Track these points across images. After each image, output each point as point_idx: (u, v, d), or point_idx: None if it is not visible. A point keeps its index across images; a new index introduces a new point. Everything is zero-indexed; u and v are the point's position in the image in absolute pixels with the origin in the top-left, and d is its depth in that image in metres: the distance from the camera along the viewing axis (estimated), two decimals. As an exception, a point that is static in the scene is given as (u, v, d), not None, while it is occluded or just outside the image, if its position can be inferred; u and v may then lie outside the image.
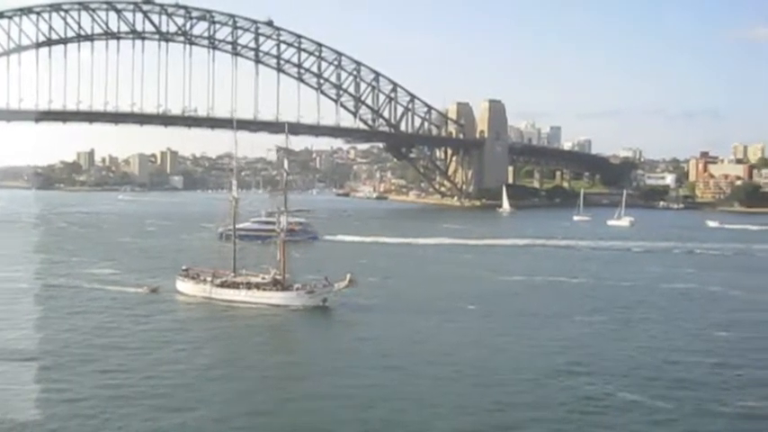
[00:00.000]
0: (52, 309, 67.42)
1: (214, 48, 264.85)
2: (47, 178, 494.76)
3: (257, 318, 65.56)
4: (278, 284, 70.59)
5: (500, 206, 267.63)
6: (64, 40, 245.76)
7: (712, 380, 47.68)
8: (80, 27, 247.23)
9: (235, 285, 72.10)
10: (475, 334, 60.02)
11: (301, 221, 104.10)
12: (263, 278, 72.06)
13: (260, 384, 46.12)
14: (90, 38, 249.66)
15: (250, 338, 58.84)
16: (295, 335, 63.12)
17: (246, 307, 68.70)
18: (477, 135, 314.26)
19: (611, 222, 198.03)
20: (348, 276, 68.40)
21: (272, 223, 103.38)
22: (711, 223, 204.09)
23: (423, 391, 44.35)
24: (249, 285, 71.41)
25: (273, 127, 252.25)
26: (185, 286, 75.47)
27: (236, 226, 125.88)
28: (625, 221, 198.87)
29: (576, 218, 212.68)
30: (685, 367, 50.51)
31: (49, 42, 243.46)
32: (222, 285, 72.50)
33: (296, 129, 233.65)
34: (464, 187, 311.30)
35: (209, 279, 73.75)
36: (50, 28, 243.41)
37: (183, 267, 78.67)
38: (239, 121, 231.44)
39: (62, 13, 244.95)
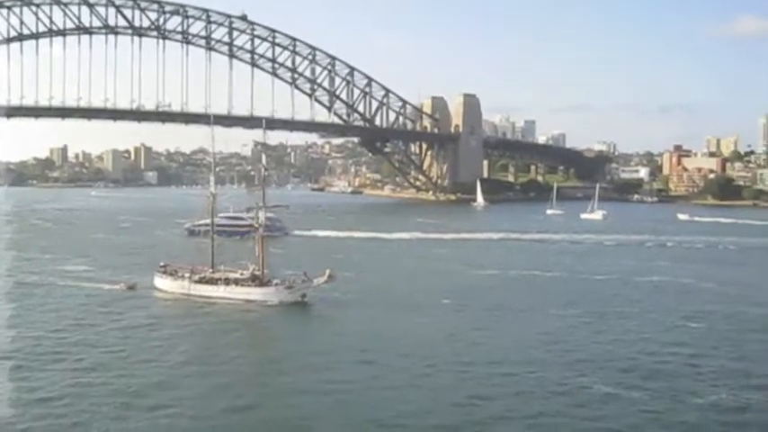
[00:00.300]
0: (26, 306, 66.85)
1: (188, 42, 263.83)
2: (19, 174, 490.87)
3: (236, 314, 65.32)
4: (256, 280, 70.39)
5: (474, 200, 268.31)
6: (35, 35, 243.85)
7: (686, 371, 48.24)
8: (52, 22, 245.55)
9: (213, 281, 71.68)
10: (450, 328, 60.23)
11: (270, 216, 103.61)
12: (242, 274, 71.79)
13: (237, 381, 45.95)
14: (62, 33, 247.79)
15: (228, 335, 58.62)
16: (274, 331, 62.85)
17: (225, 303, 68.45)
18: (452, 129, 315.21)
19: (584, 216, 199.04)
20: (327, 272, 68.26)
21: (239, 218, 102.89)
22: (682, 216, 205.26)
23: (399, 386, 44.52)
24: (228, 281, 71.08)
25: (248, 122, 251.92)
26: (163, 283, 74.97)
27: (204, 221, 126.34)
28: (598, 215, 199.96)
29: (549, 211, 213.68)
30: (660, 359, 51.04)
31: (21, 37, 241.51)
32: (200, 281, 72.12)
33: (271, 124, 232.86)
34: (439, 181, 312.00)
35: (187, 275, 73.36)
36: (21, 23, 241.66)
37: (161, 264, 78.06)
38: (214, 116, 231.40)
39: (33, 8, 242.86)
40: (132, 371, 46.73)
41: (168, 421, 38.25)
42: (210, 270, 73.70)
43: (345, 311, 66.77)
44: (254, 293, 69.33)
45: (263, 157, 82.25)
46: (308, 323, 64.61)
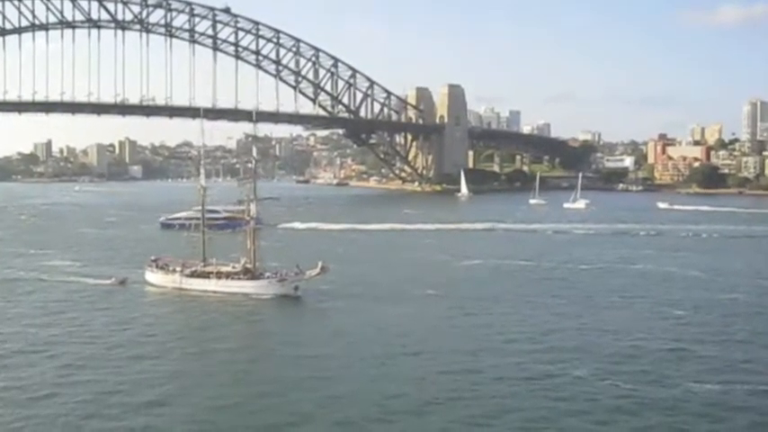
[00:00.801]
0: (16, 302, 66.83)
1: (171, 36, 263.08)
2: (3, 170, 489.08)
3: (229, 308, 65.06)
4: (248, 273, 70.28)
5: (459, 191, 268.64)
6: (18, 30, 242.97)
7: (669, 358, 48.73)
8: (34, 16, 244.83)
9: (205, 275, 71.48)
10: (437, 320, 60.78)
11: (244, 209, 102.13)
12: (234, 267, 71.60)
13: (231, 376, 45.55)
14: (45, 27, 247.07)
15: (222, 329, 58.29)
16: (267, 324, 62.24)
17: (217, 297, 68.34)
18: (437, 120, 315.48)
19: (566, 205, 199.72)
20: (319, 264, 68.16)
21: (215, 212, 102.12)
22: (661, 205, 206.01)
23: (387, 378, 44.75)
24: (219, 275, 70.91)
25: (233, 115, 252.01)
26: (154, 277, 74.69)
27: (177, 215, 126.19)
28: (581, 204, 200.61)
29: (532, 201, 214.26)
30: (644, 347, 51.54)
31: (3, 32, 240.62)
32: (192, 275, 71.91)
33: (256, 116, 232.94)
34: (424, 172, 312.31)
35: (178, 269, 73.10)
36: (4, 17, 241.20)
37: (152, 258, 77.57)
38: (198, 109, 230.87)
39: (16, 2, 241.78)
40: (123, 367, 46.30)
41: (160, 418, 37.90)
42: (202, 264, 73.49)
43: (337, 304, 66.58)
44: (247, 287, 69.15)
45: (254, 150, 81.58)
46: (302, 316, 64.55)
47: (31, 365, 46.83)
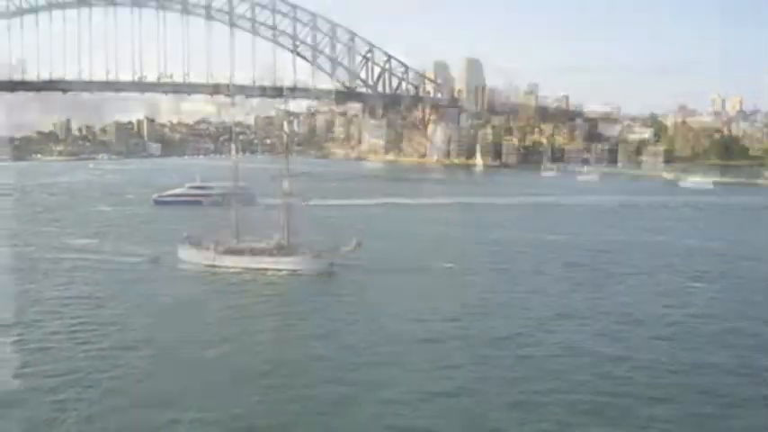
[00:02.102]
0: (52, 282, 66.81)
1: (187, 12, 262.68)
2: (23, 149, 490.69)
3: (265, 285, 65.37)
4: (283, 250, 70.83)
5: (476, 164, 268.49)
6: (35, 9, 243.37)
7: (686, 332, 49.13)
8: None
9: (239, 252, 72.02)
10: (464, 292, 62.01)
11: (239, 184, 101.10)
12: (268, 244, 72.03)
13: (264, 360, 45.24)
14: (61, 6, 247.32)
15: (259, 308, 58.31)
16: (303, 303, 61.34)
17: (253, 274, 68.65)
18: (455, 94, 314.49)
19: (580, 178, 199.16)
20: (354, 240, 69.11)
21: (206, 188, 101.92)
22: (666, 175, 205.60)
23: (419, 361, 44.93)
24: (254, 251, 71.39)
25: (250, 91, 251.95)
26: (188, 254, 74.87)
27: (171, 192, 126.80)
28: (594, 176, 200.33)
29: (544, 173, 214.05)
30: (662, 319, 51.95)
31: (21, 12, 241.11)
32: (226, 252, 72.36)
33: (273, 91, 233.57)
34: (442, 146, 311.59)
35: (212, 246, 73.38)
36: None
37: (185, 234, 77.34)
38: (215, 85, 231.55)
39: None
40: (162, 351, 46.44)
41: (198, 406, 37.79)
42: (235, 241, 73.87)
43: (371, 280, 67.10)
44: (282, 263, 69.68)
45: (286, 125, 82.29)
46: (337, 293, 63.91)
47: (68, 347, 46.88)
